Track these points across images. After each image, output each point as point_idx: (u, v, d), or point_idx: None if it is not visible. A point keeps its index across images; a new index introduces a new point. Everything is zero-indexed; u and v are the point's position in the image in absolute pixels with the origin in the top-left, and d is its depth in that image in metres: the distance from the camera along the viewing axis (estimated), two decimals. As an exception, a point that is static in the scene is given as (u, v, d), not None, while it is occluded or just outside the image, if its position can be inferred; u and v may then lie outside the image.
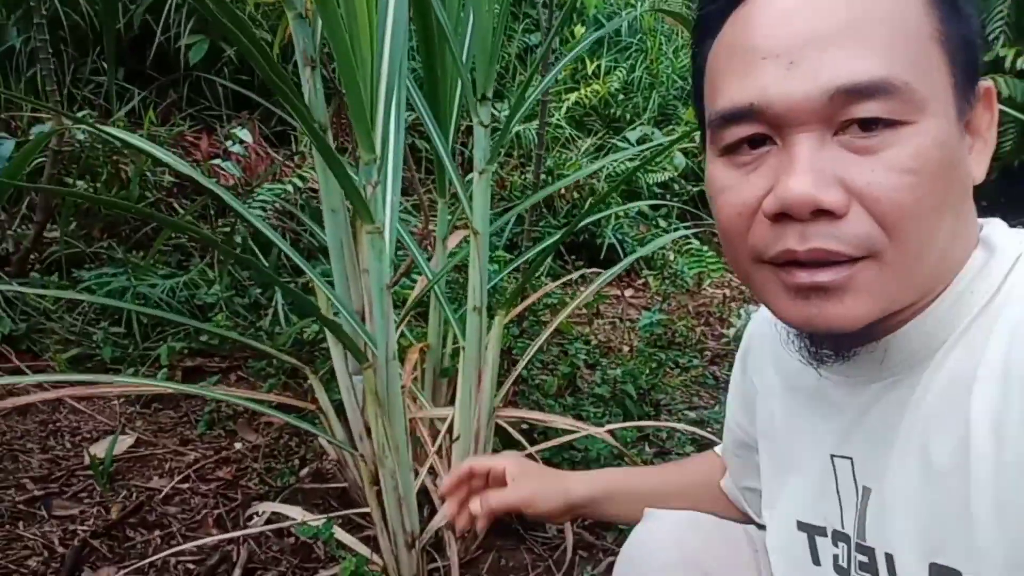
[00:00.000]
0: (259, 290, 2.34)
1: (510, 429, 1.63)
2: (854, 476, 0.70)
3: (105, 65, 3.27)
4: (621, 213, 3.96)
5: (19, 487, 1.58)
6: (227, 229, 2.63)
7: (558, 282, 2.35)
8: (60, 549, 1.44)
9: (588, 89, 4.79)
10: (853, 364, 0.67)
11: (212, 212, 2.81)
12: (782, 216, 0.57)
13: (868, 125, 0.55)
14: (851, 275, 0.57)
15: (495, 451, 1.60)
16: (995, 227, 0.65)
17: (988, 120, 0.63)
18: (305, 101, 1.33)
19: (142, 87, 3.43)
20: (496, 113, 4.06)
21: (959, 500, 0.58)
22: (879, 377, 0.66)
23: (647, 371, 2.31)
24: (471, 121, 1.40)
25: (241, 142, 2.92)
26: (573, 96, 4.71)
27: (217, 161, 2.86)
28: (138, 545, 1.49)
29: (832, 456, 0.72)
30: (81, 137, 2.38)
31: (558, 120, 4.52)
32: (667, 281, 3.64)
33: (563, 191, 3.87)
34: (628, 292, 3.67)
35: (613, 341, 2.94)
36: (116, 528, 1.52)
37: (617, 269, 1.72)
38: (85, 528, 1.50)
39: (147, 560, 1.40)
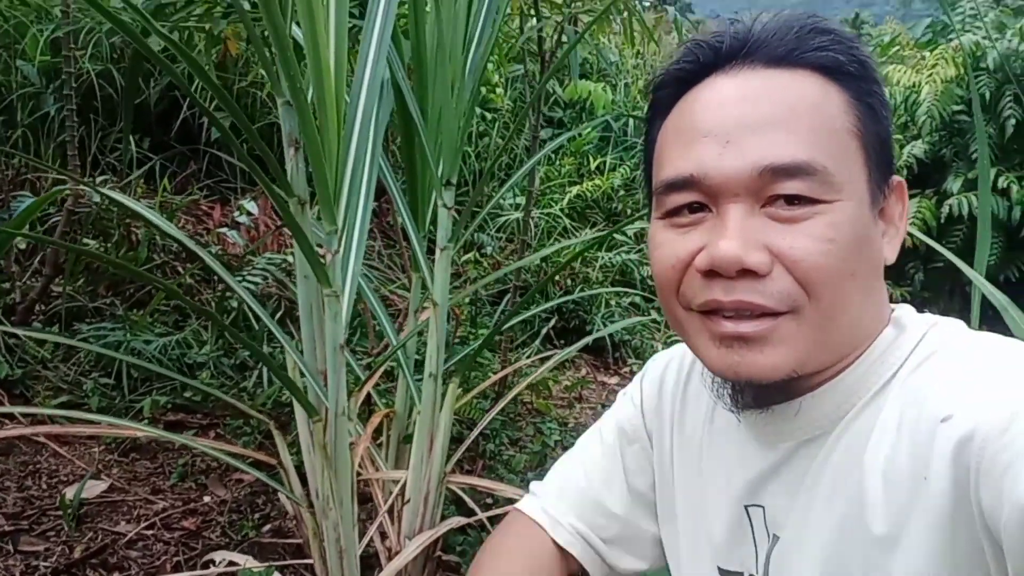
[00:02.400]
0: (247, 353, 2.45)
1: (464, 495, 1.69)
2: (765, 524, 0.75)
3: (132, 134, 3.49)
4: (613, 303, 4.07)
5: (-9, 522, 1.66)
6: (227, 294, 2.77)
7: (536, 359, 2.44)
8: (20, 582, 1.51)
9: (591, 183, 4.99)
10: (771, 423, 0.74)
11: (216, 278, 2.96)
12: (712, 273, 0.65)
13: (791, 200, 0.63)
14: (772, 327, 0.64)
15: (445, 515, 1.66)
16: (905, 310, 0.74)
17: (900, 210, 0.72)
18: (287, 178, 1.47)
19: (167, 158, 3.65)
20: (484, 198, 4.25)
21: (857, 544, 0.65)
22: (794, 436, 0.72)
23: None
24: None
25: (248, 213, 3.09)
26: (575, 189, 4.90)
27: (224, 230, 3.03)
28: (96, 584, 1.56)
29: (746, 506, 0.77)
30: (97, 199, 2.55)
31: (560, 210, 4.70)
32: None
33: (558, 279, 4.00)
34: (614, 379, 3.74)
35: (591, 425, 3.00)
36: (77, 567, 1.59)
37: (576, 347, 1.81)
38: (47, 564, 1.57)
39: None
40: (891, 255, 0.71)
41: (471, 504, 1.67)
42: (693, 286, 0.68)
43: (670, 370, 0.94)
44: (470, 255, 3.74)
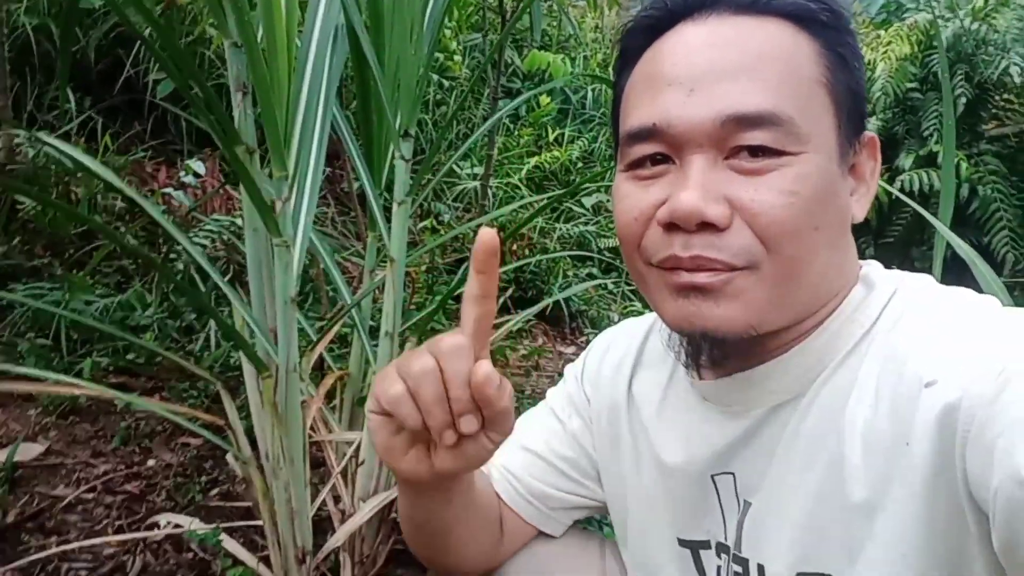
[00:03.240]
0: (193, 315, 2.37)
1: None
2: (736, 491, 0.74)
3: (72, 93, 3.34)
4: (570, 274, 4.07)
5: (-82, 485, 1.57)
6: (172, 256, 2.68)
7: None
8: (-51, 547, 1.44)
9: (549, 155, 4.95)
10: (737, 390, 0.72)
11: (161, 240, 2.86)
12: (672, 226, 0.64)
13: (755, 152, 0.62)
14: (728, 279, 0.63)
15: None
16: (873, 267, 0.73)
17: (871, 168, 0.71)
18: (235, 125, 1.41)
19: (108, 118, 3.51)
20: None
21: (836, 509, 0.64)
22: (763, 402, 0.71)
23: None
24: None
25: (196, 174, 2.99)
26: (534, 160, 4.86)
27: (169, 190, 2.92)
28: (32, 549, 1.49)
29: (712, 475, 0.76)
30: (31, 153, 2.43)
31: (518, 180, 4.66)
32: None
33: (514, 248, 3.98)
34: (571, 349, 3.75)
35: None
36: (10, 530, 1.52)
37: (529, 312, 1.80)
38: (-21, 529, 1.50)
39: (31, 558, 1.40)
40: (860, 213, 0.70)
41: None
42: (655, 240, 0.67)
43: (616, 346, 0.93)
44: (427, 222, 3.69)
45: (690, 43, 0.66)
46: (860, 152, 0.69)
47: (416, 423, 0.60)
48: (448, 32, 4.81)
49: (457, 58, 4.77)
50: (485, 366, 0.58)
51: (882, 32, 4.69)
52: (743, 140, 0.62)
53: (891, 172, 4.33)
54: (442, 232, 3.56)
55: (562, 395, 0.96)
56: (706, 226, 0.62)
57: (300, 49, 1.23)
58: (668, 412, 0.82)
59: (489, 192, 3.09)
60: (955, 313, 0.65)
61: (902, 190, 4.15)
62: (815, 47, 0.65)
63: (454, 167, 4.47)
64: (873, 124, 4.44)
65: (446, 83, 4.74)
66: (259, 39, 1.17)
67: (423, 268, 3.22)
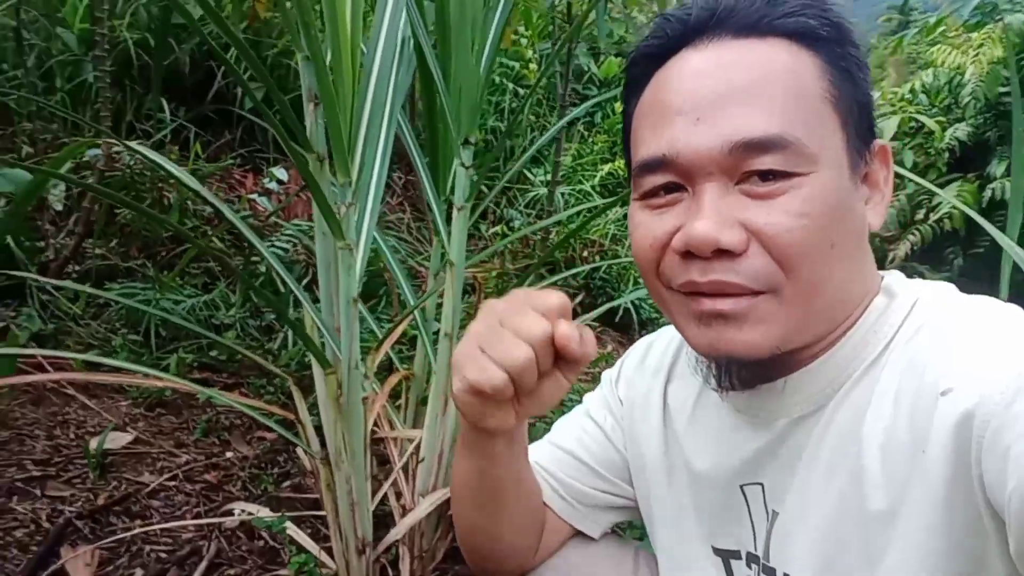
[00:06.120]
0: (272, 316, 2.48)
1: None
2: (764, 501, 0.75)
3: (168, 104, 3.54)
4: (641, 281, 4.04)
5: (20, 466, 1.71)
6: (255, 259, 2.81)
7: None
8: (46, 525, 1.56)
9: (623, 161, 4.94)
10: (763, 401, 0.73)
11: (245, 242, 3.00)
12: (689, 254, 0.65)
13: (765, 176, 0.63)
14: (751, 305, 0.64)
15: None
16: (894, 276, 0.73)
17: (885, 175, 0.71)
18: (307, 134, 1.48)
19: (201, 127, 3.70)
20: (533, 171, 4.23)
21: (855, 518, 0.65)
22: (788, 412, 0.72)
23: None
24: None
25: (279, 181, 3.12)
26: (607, 167, 4.86)
27: (254, 196, 3.06)
28: (118, 531, 1.60)
29: (741, 486, 0.77)
30: (130, 163, 2.59)
31: (590, 187, 4.67)
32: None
33: (584, 254, 3.99)
34: (640, 357, 3.72)
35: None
36: (100, 513, 1.63)
37: (592, 315, 1.81)
38: (72, 510, 1.62)
39: (119, 537, 1.51)
40: (876, 221, 0.70)
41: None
42: (672, 266, 0.68)
43: (653, 352, 0.94)
44: (497, 228, 3.74)
45: (693, 70, 0.67)
46: (872, 161, 0.69)
47: (532, 382, 0.63)
48: (524, 41, 4.87)
49: (532, 66, 4.82)
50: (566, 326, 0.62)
51: (973, 35, 4.50)
52: (752, 165, 0.63)
53: (982, 180, 4.16)
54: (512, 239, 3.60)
55: (598, 399, 0.97)
56: (722, 253, 0.63)
57: (365, 62, 1.29)
58: (699, 421, 0.83)
59: (557, 198, 3.11)
60: (974, 322, 0.64)
61: (992, 198, 3.97)
62: (818, 63, 0.65)
63: (528, 174, 4.52)
64: (963, 130, 4.26)
65: (521, 91, 4.80)
66: (326, 53, 1.24)
67: (494, 273, 3.27)
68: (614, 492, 0.93)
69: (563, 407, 1.17)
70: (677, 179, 0.67)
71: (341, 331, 1.33)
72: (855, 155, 0.67)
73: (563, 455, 0.94)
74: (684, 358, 0.88)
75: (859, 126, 0.67)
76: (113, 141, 2.20)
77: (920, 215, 3.95)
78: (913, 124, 4.14)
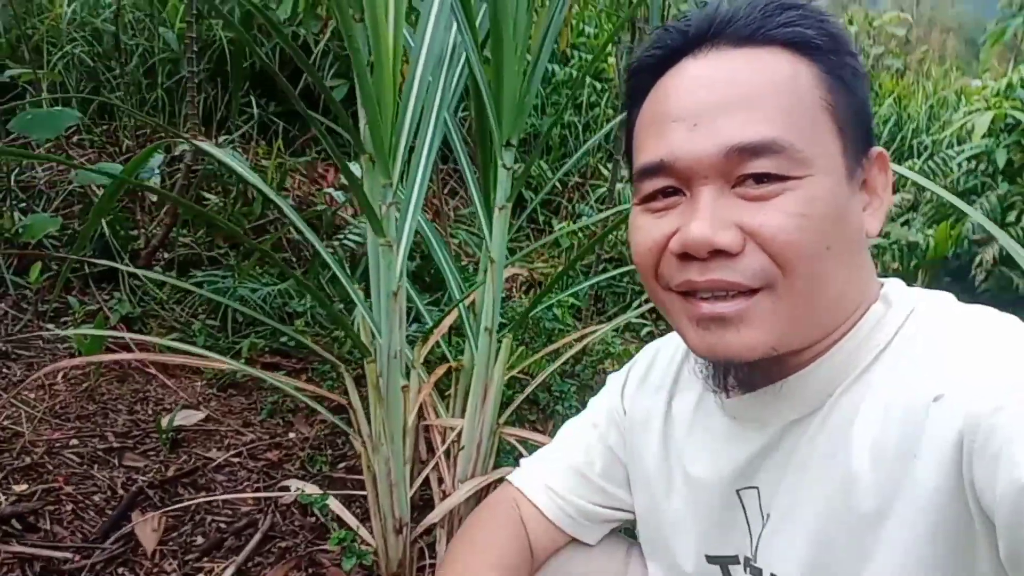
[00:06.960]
0: (341, 305, 2.60)
1: (520, 448, 1.76)
2: (760, 505, 0.77)
3: (259, 99, 3.73)
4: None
5: (102, 438, 1.87)
6: (330, 248, 2.95)
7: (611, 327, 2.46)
8: (120, 492, 1.71)
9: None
10: (759, 404, 0.75)
11: (324, 232, 3.15)
12: (686, 255, 0.67)
13: (761, 179, 0.65)
14: (748, 307, 0.66)
15: (500, 464, 1.74)
16: (894, 284, 0.74)
17: (883, 181, 0.73)
18: (361, 136, 1.57)
19: (289, 122, 3.89)
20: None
21: (845, 521, 0.67)
22: (782, 416, 0.74)
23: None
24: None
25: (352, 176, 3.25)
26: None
27: (331, 190, 3.21)
28: (184, 500, 1.74)
29: (738, 490, 0.79)
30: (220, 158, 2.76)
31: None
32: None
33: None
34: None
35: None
36: (169, 483, 1.77)
37: (635, 313, 1.83)
38: (145, 479, 1.76)
39: (183, 506, 1.64)
40: (874, 227, 0.71)
41: (525, 455, 1.73)
42: (670, 268, 0.70)
43: (656, 367, 0.96)
44: (565, 224, 3.77)
45: (692, 79, 0.69)
46: (870, 168, 0.71)
47: None
48: (604, 35, 4.87)
49: (611, 60, 4.81)
50: None
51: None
52: (747, 169, 0.65)
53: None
54: (580, 235, 3.63)
55: (603, 406, 1.00)
56: (719, 253, 0.65)
57: (409, 67, 1.36)
58: (697, 428, 0.85)
59: (617, 191, 3.12)
60: (968, 330, 0.65)
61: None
62: (814, 72, 0.67)
63: (603, 170, 4.53)
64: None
65: (599, 85, 4.81)
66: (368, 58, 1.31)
67: (559, 269, 3.32)
68: (616, 506, 0.96)
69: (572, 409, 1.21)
70: (675, 183, 0.69)
71: (381, 322, 1.40)
72: (852, 161, 0.68)
73: (574, 477, 0.97)
74: (687, 369, 0.90)
75: (856, 133, 0.68)
76: (202, 139, 2.36)
77: (1012, 217, 3.74)
78: (1010, 120, 3.92)
